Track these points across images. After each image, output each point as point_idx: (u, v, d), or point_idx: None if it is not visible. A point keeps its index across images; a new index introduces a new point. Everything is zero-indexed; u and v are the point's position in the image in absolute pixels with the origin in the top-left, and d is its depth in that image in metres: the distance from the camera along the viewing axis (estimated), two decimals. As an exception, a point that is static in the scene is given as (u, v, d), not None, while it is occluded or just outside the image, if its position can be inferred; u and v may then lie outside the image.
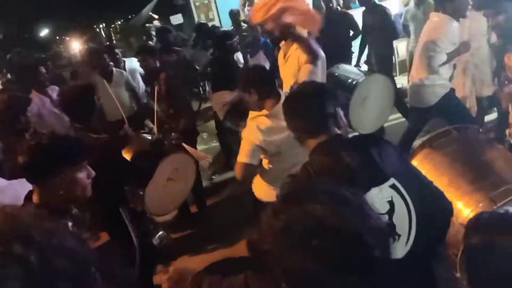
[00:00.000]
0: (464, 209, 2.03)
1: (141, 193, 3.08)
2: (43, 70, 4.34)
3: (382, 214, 1.40)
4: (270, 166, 2.59)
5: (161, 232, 3.04)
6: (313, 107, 1.62)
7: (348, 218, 0.83)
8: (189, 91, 8.18)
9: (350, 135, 2.00)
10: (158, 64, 4.13)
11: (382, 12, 5.38)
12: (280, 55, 3.45)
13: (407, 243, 1.42)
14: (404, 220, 1.43)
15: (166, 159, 2.94)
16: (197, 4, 11.43)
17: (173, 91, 4.05)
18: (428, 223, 1.46)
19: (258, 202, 2.66)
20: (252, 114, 2.62)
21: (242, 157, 2.45)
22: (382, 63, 5.41)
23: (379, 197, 1.42)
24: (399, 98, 4.88)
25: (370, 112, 4.72)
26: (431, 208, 1.51)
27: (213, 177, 5.31)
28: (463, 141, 2.44)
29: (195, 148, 4.67)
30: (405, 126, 4.34)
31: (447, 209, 1.58)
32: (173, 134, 4.06)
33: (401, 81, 6.73)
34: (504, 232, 0.94)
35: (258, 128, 2.43)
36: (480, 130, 2.57)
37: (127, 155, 3.31)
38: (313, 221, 0.82)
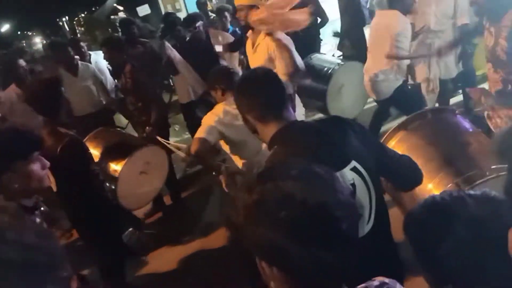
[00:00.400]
0: (433, 191, 2.07)
1: (113, 187, 3.05)
2: (22, 63, 4.19)
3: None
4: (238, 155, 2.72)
5: (130, 229, 3.03)
6: (262, 92, 1.57)
7: (317, 192, 0.85)
8: (159, 83, 8.08)
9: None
10: (124, 57, 4.04)
11: (357, 2, 5.39)
12: (248, 45, 3.42)
13: (368, 223, 1.46)
14: (365, 201, 1.47)
15: (135, 153, 2.91)
16: (163, -6, 11.23)
17: (139, 83, 3.97)
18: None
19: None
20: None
21: (198, 133, 2.63)
22: (356, 49, 5.43)
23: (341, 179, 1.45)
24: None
25: (348, 98, 4.81)
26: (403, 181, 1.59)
27: (187, 168, 5.27)
28: (438, 124, 2.45)
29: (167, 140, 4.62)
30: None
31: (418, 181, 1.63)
32: (146, 128, 4.00)
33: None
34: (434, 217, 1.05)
35: (214, 113, 2.71)
36: (457, 112, 2.58)
37: (96, 150, 3.25)
38: (283, 194, 0.85)
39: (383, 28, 3.75)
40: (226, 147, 2.85)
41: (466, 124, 2.35)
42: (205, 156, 2.64)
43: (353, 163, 1.45)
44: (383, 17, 3.83)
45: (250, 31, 3.37)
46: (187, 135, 6.04)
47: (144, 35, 7.57)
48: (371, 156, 1.51)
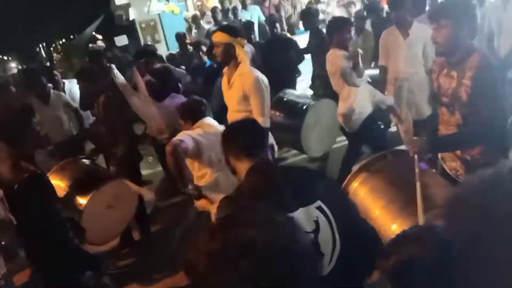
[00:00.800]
0: (397, 232, 2.08)
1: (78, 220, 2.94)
2: None
3: (309, 232, 1.55)
4: (215, 175, 2.85)
5: (88, 273, 2.90)
6: (243, 136, 1.85)
7: (278, 241, 0.87)
8: (131, 116, 8.00)
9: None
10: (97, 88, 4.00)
11: (324, 37, 5.56)
12: (224, 81, 3.44)
13: (330, 263, 1.54)
14: (328, 240, 1.56)
15: (102, 187, 2.84)
16: (143, 25, 11.28)
17: (110, 115, 3.93)
18: (352, 245, 1.58)
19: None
20: None
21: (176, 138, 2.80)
22: (327, 89, 5.51)
23: (306, 216, 1.57)
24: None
25: (319, 135, 4.86)
26: (356, 231, 1.64)
27: (157, 202, 5.16)
28: (398, 166, 2.50)
29: (138, 173, 4.54)
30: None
31: (369, 231, 1.72)
32: (111, 168, 3.94)
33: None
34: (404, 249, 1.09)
35: (186, 133, 2.92)
36: None
37: (63, 182, 3.14)
38: (246, 243, 0.86)
39: (329, 66, 3.96)
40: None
41: (423, 165, 2.40)
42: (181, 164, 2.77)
43: (319, 203, 1.59)
44: (328, 55, 4.01)
45: (226, 68, 3.39)
46: (160, 168, 5.94)
47: (123, 65, 7.66)
48: (336, 201, 1.65)
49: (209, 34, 7.08)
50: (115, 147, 3.96)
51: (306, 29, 5.81)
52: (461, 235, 0.81)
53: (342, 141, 5.13)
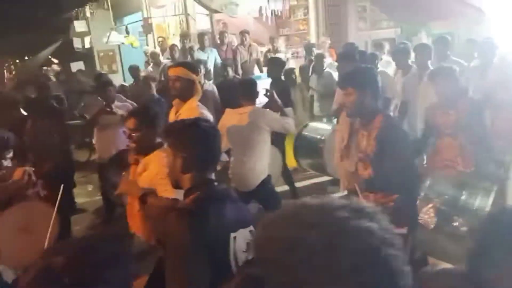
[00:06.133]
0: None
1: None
2: None
3: (244, 251, 1.74)
4: None
5: None
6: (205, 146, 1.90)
7: None
8: (80, 141, 7.88)
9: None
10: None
11: (286, 86, 5.78)
12: (173, 111, 3.56)
13: None
14: None
15: (10, 209, 2.77)
16: (101, 54, 11.30)
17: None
18: None
19: None
20: None
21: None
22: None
23: (244, 236, 1.76)
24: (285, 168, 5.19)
25: None
26: None
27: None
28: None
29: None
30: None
31: None
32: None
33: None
34: None
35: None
36: None
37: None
38: None
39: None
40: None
41: None
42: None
43: (251, 227, 1.78)
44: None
45: (176, 100, 3.53)
46: (98, 196, 5.82)
47: (85, 90, 8.12)
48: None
49: (164, 69, 7.23)
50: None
51: (269, 76, 6.07)
52: (270, 268, 0.78)
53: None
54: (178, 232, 1.65)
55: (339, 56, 5.25)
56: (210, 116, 3.38)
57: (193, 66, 3.63)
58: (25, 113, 4.43)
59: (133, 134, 2.76)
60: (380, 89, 2.75)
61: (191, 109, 3.33)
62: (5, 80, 15.40)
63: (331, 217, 0.77)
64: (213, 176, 1.92)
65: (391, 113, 5.18)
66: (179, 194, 2.51)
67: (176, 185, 1.99)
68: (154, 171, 2.63)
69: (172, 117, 3.54)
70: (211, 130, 1.94)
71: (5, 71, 17.10)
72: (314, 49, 7.65)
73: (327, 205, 0.80)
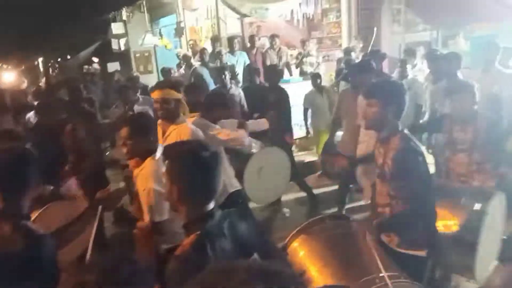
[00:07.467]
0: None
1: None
2: None
3: None
4: None
5: None
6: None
7: None
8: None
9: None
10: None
11: (284, 94, 5.73)
12: (159, 132, 3.34)
13: None
14: None
15: (47, 207, 2.88)
16: (137, 55, 11.62)
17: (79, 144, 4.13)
18: None
19: None
20: None
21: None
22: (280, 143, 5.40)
23: None
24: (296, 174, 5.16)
25: (266, 184, 4.86)
26: None
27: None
28: (335, 230, 2.63)
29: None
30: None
31: None
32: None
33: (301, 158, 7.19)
34: None
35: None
36: (351, 219, 2.84)
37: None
38: None
39: None
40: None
41: (356, 232, 2.52)
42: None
43: (255, 255, 1.74)
44: None
45: (160, 120, 3.40)
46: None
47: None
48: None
49: (193, 72, 7.36)
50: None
51: (266, 83, 6.08)
52: None
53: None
54: (178, 278, 1.60)
55: (353, 67, 5.21)
56: (200, 133, 3.31)
57: (177, 85, 3.49)
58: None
59: (128, 142, 2.79)
60: (404, 108, 2.57)
61: (181, 126, 3.26)
62: (40, 79, 16.11)
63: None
64: (212, 206, 1.76)
65: (420, 121, 5.11)
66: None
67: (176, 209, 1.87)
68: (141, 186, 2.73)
69: (159, 138, 3.31)
70: (211, 160, 1.74)
71: (50, 69, 17.87)
72: (352, 53, 7.53)
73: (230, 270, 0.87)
